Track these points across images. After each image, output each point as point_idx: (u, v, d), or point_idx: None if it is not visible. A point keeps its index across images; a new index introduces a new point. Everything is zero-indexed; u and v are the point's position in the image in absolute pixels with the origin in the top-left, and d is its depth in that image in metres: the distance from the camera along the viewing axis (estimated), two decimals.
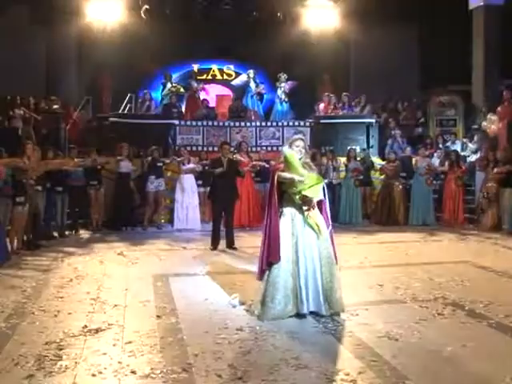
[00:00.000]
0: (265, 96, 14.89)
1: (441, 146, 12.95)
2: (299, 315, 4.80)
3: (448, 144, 12.90)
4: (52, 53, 14.96)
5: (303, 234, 4.86)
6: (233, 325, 4.63)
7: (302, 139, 5.08)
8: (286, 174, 4.86)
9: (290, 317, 4.80)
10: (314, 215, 4.90)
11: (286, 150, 5.02)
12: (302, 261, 4.82)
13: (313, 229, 4.86)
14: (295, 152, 4.95)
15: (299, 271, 4.81)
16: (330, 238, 4.98)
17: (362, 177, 11.69)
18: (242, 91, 15.04)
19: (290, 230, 4.87)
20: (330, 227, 5.00)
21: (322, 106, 14.16)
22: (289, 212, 4.92)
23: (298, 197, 4.85)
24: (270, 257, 4.85)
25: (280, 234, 4.84)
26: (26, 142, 8.83)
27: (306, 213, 4.86)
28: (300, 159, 4.94)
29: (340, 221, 11.36)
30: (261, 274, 4.97)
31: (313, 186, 4.84)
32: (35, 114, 12.31)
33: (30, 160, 8.28)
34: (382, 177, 11.90)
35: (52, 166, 9.11)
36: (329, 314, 4.81)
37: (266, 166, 10.90)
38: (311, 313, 4.83)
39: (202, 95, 14.58)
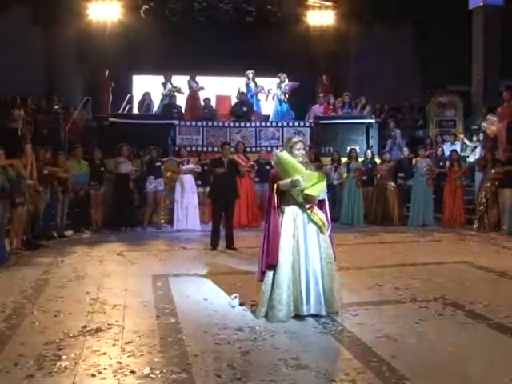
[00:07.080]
0: (271, 96, 14.79)
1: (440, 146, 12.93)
2: (299, 316, 4.79)
3: (445, 145, 12.82)
4: (52, 53, 14.96)
5: (304, 236, 4.85)
6: (232, 325, 4.63)
7: (301, 141, 5.08)
8: (286, 181, 4.83)
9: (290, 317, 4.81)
10: (318, 212, 4.90)
11: (278, 152, 5.01)
12: (302, 263, 4.82)
13: (317, 225, 4.85)
14: (287, 152, 4.93)
15: (300, 274, 4.81)
16: (329, 239, 4.99)
17: (365, 177, 11.67)
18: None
19: (292, 231, 4.86)
20: (330, 228, 5.00)
21: (316, 108, 14.14)
22: (290, 212, 4.89)
23: (300, 196, 4.84)
24: (268, 259, 4.85)
25: (280, 236, 4.82)
26: (25, 142, 8.82)
27: (309, 210, 4.86)
28: (301, 162, 4.93)
29: (341, 221, 11.37)
30: (261, 275, 4.97)
31: (315, 185, 4.83)
32: (35, 115, 12.31)
33: (28, 160, 8.28)
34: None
35: (47, 171, 9.11)
36: (327, 314, 4.81)
37: (267, 167, 10.87)
38: (310, 314, 4.82)
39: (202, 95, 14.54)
